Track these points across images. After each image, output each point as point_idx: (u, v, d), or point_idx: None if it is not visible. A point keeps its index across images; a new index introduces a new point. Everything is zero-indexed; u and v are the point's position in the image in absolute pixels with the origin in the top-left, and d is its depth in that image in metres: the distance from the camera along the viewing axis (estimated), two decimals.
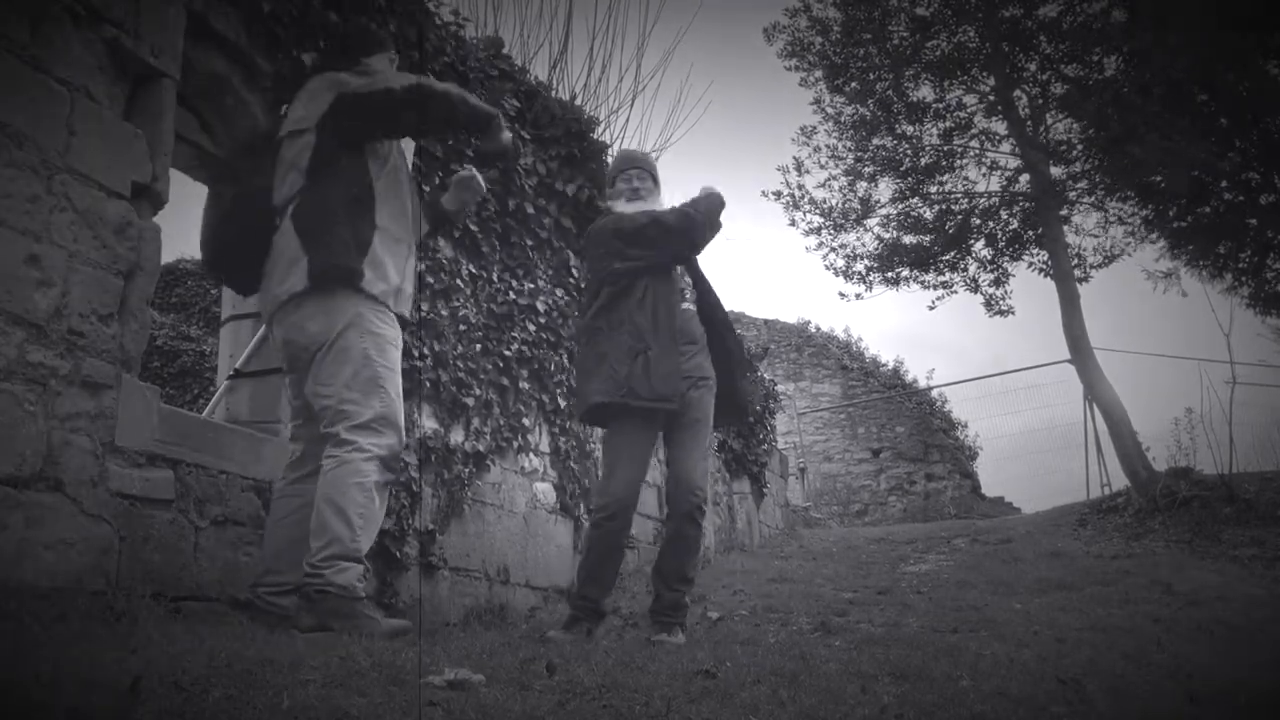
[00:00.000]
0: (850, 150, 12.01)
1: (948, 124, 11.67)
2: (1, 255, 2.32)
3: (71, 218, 2.51)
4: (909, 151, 11.71)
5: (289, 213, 2.81)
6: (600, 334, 3.50)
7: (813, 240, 12.53)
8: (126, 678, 1.44)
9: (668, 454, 3.66)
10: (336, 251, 2.74)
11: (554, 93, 5.89)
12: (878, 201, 12.20)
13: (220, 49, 3.28)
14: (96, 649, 1.74)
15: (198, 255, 11.40)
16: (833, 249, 12.42)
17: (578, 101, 6.41)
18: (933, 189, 12.01)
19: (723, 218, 3.71)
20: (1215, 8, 8.51)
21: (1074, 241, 11.73)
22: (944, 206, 12.04)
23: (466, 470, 4.39)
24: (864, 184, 12.10)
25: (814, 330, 18.00)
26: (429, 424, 4.16)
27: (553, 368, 5.22)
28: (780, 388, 13.43)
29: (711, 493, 6.60)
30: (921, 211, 12.11)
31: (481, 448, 4.53)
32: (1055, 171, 11.26)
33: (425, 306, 4.15)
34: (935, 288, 12.25)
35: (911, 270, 12.19)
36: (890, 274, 12.24)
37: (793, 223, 12.52)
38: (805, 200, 12.29)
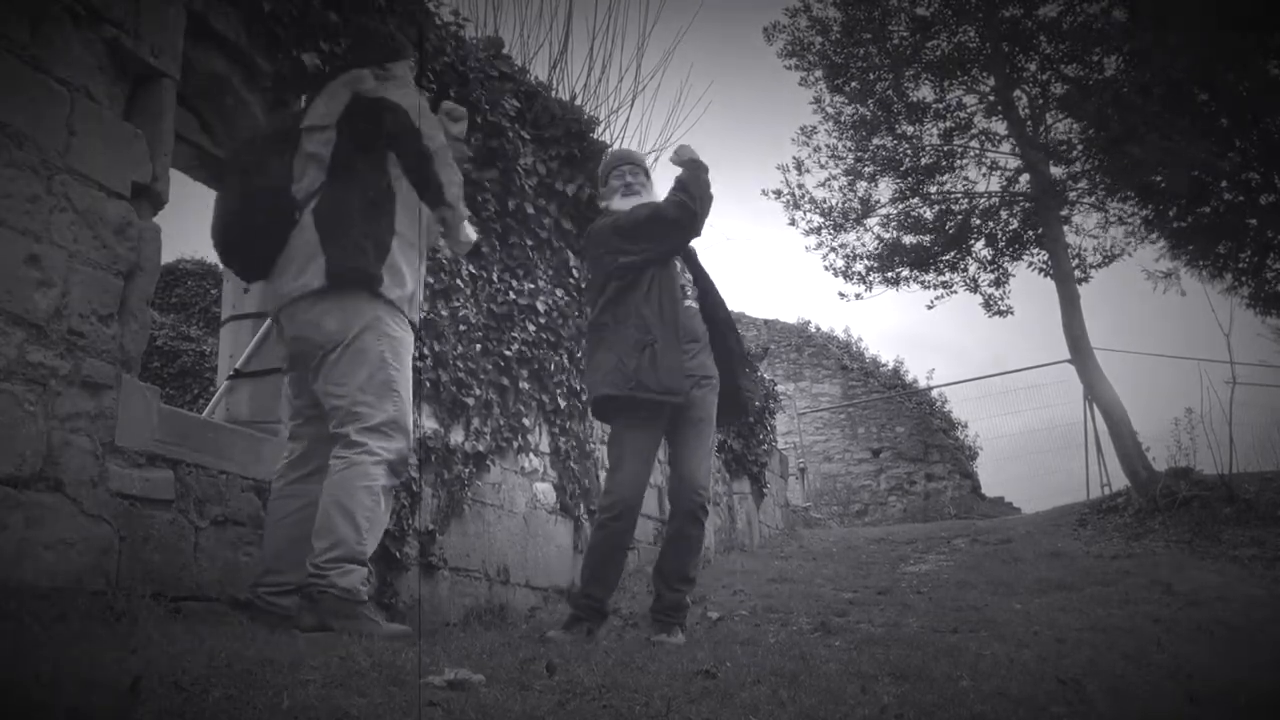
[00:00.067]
0: (850, 150, 12.01)
1: (948, 124, 11.67)
2: (1, 255, 2.32)
3: (71, 218, 2.51)
4: (909, 151, 11.71)
5: (310, 209, 2.80)
6: (607, 329, 3.50)
7: (813, 240, 12.55)
8: (126, 678, 1.44)
9: (670, 453, 3.66)
10: (356, 254, 2.74)
11: (554, 93, 5.89)
12: (878, 201, 12.21)
13: (220, 49, 3.28)
14: (96, 649, 1.74)
15: (198, 255, 11.41)
16: (833, 249, 12.44)
17: (578, 101, 6.41)
18: (933, 189, 12.01)
19: (713, 190, 3.69)
20: (1215, 8, 8.51)
21: (1074, 241, 11.74)
22: (944, 206, 12.04)
23: (466, 470, 4.39)
24: (864, 184, 12.11)
25: (814, 330, 18.00)
26: (429, 424, 4.16)
27: (553, 368, 5.22)
28: (780, 388, 13.43)
29: (712, 493, 6.59)
30: (921, 211, 12.12)
31: (481, 448, 4.53)
32: (1055, 171, 11.26)
33: (425, 306, 4.16)
34: (935, 288, 12.26)
35: (911, 270, 12.19)
36: (890, 274, 12.25)
37: (793, 222, 12.55)
38: (805, 200, 12.31)
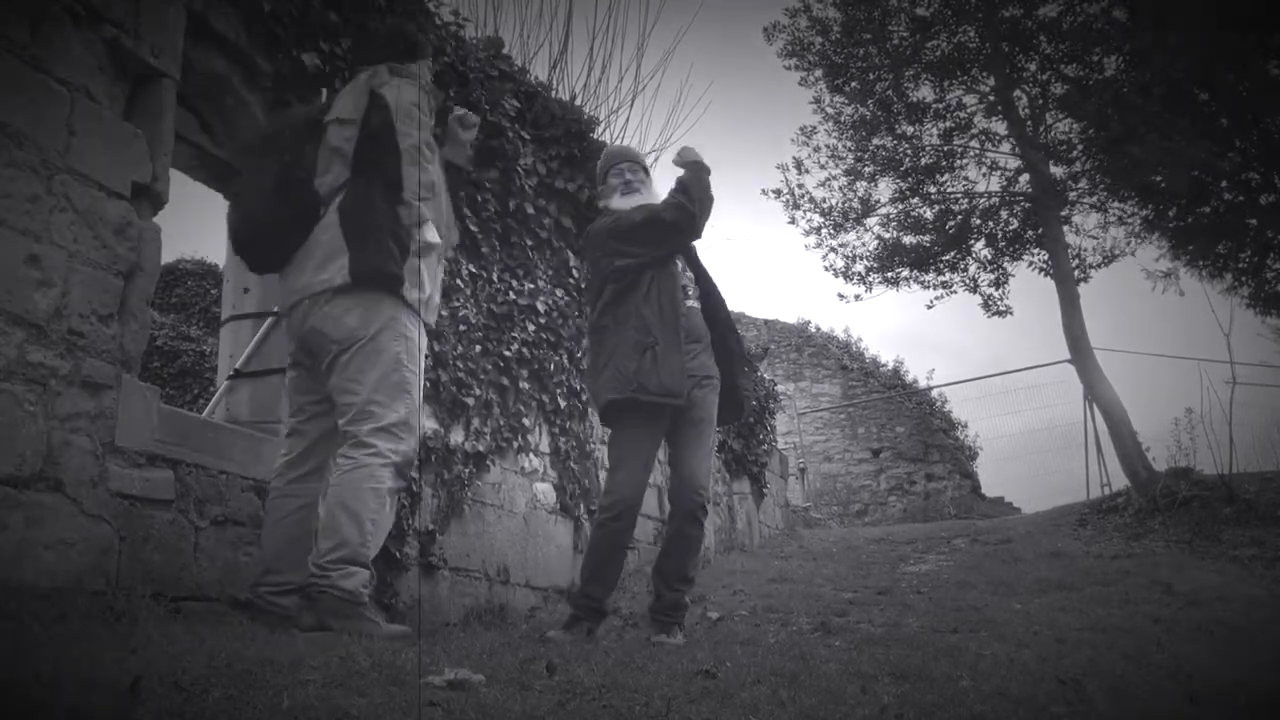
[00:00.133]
0: (850, 150, 12.02)
1: (948, 124, 11.68)
2: (1, 255, 2.32)
3: (71, 218, 2.51)
4: (909, 151, 11.72)
5: (335, 205, 2.79)
6: (608, 331, 3.49)
7: (812, 240, 12.56)
8: (126, 678, 1.44)
9: (671, 453, 3.65)
10: (382, 254, 2.73)
11: (554, 93, 5.89)
12: (878, 201, 12.21)
13: (220, 49, 3.28)
14: (96, 649, 1.74)
15: (198, 255, 11.42)
16: (833, 249, 12.45)
17: (578, 101, 6.41)
18: (933, 189, 12.02)
19: (714, 191, 3.65)
20: (1215, 8, 8.51)
21: (1074, 241, 11.75)
22: (944, 206, 12.05)
23: (466, 470, 4.39)
24: (864, 184, 12.12)
25: (814, 330, 18.01)
26: (429, 424, 4.15)
27: (553, 368, 5.22)
28: (780, 388, 13.43)
29: (712, 493, 6.60)
30: (921, 211, 12.12)
31: (481, 448, 4.53)
32: (1055, 171, 11.26)
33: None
34: (935, 288, 12.27)
35: (911, 270, 12.19)
36: (890, 274, 12.25)
37: (793, 221, 12.55)
38: (805, 200, 12.31)
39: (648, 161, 3.96)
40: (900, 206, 12.15)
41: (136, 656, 1.69)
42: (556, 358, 5.27)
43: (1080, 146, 11.17)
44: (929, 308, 13.32)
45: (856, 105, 11.77)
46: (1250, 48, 8.65)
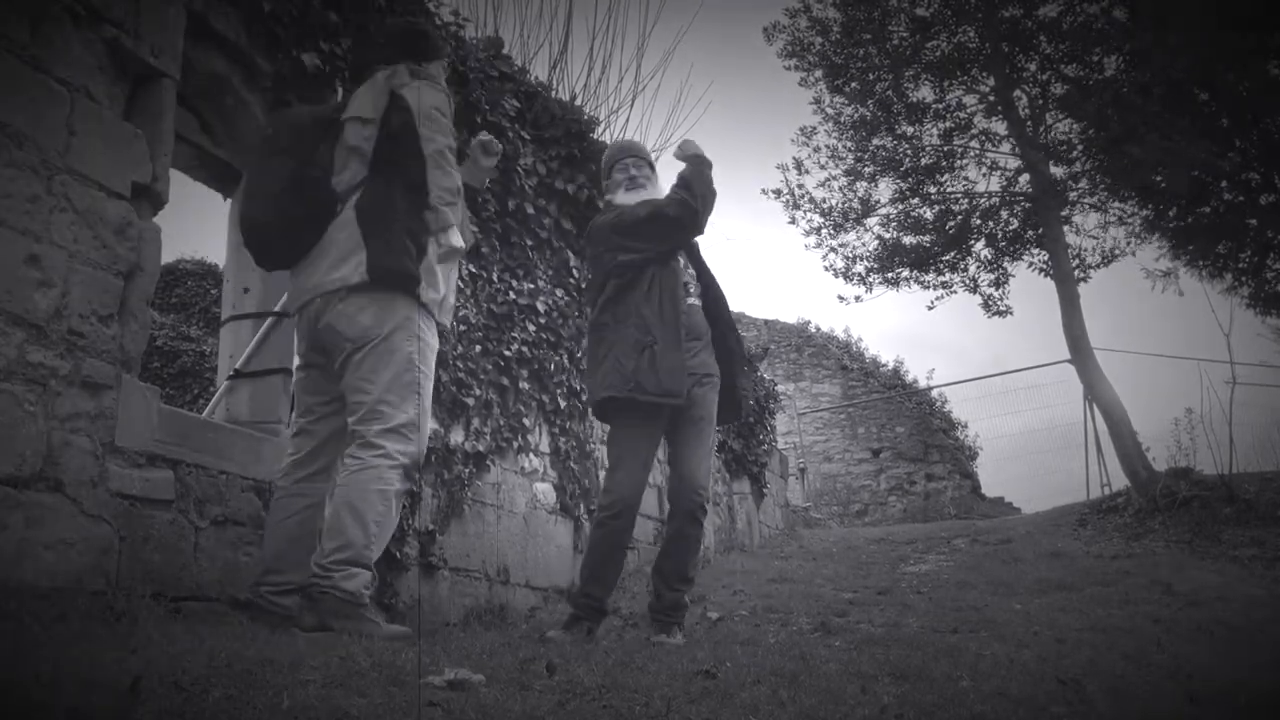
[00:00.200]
0: (850, 150, 12.02)
1: (948, 124, 11.68)
2: (1, 255, 2.32)
3: (71, 218, 2.51)
4: (909, 152, 11.72)
5: (352, 203, 2.78)
6: (607, 328, 3.48)
7: (812, 240, 12.56)
8: (126, 678, 1.44)
9: (670, 452, 3.64)
10: (399, 253, 2.73)
11: (554, 93, 5.89)
12: (878, 202, 12.21)
13: (220, 49, 3.28)
14: (96, 649, 1.74)
15: (198, 255, 11.41)
16: (833, 249, 12.45)
17: (578, 102, 6.41)
18: (933, 189, 12.02)
19: (716, 186, 3.64)
20: (1215, 8, 8.51)
21: (1074, 241, 11.75)
22: (944, 207, 12.05)
23: (466, 470, 4.39)
24: (864, 184, 12.11)
25: (814, 330, 18.01)
26: (429, 424, 4.15)
27: (553, 368, 5.22)
28: (780, 388, 13.43)
29: (711, 493, 6.61)
30: (921, 212, 12.12)
31: (481, 448, 4.53)
32: (1055, 171, 11.26)
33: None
34: (935, 288, 12.27)
35: (911, 271, 12.19)
36: (890, 274, 12.25)
37: (793, 221, 12.55)
38: (805, 200, 12.31)
39: (650, 155, 3.94)
40: (900, 207, 12.16)
41: (136, 656, 1.69)
42: (556, 358, 5.27)
43: (1080, 146, 11.17)
44: (930, 309, 13.32)
45: (856, 105, 11.77)
46: (1250, 48, 8.65)
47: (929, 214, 12.09)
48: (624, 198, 3.69)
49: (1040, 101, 11.30)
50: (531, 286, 5.04)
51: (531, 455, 5.07)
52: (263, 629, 2.52)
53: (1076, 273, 11.45)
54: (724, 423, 3.94)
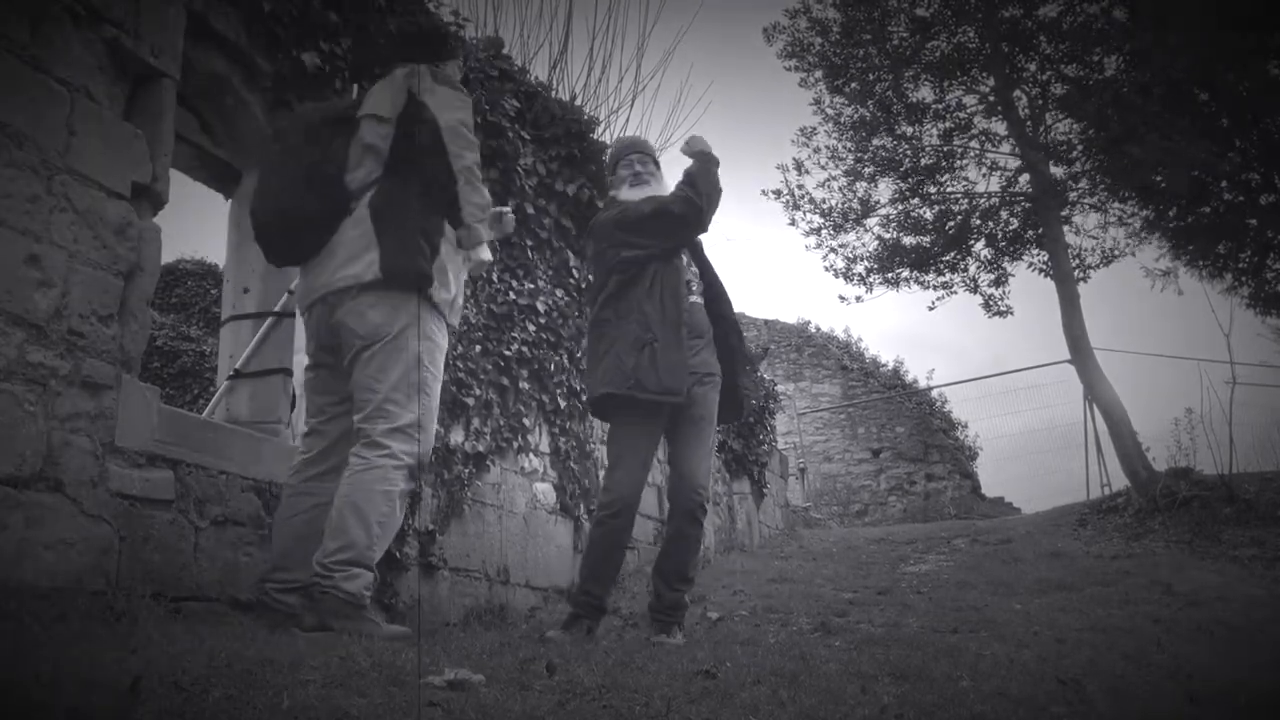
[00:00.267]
0: (850, 151, 12.02)
1: (947, 124, 11.68)
2: (1, 255, 2.32)
3: (71, 218, 2.51)
4: (909, 152, 11.72)
5: (366, 200, 2.77)
6: (609, 324, 3.47)
7: (812, 240, 12.56)
8: (126, 678, 1.44)
9: (670, 451, 3.63)
10: (412, 252, 2.72)
11: (554, 93, 5.89)
12: (878, 202, 12.22)
13: (220, 49, 3.28)
14: (96, 649, 1.74)
15: (198, 255, 11.40)
16: (833, 249, 12.45)
17: (578, 102, 6.41)
18: (933, 189, 12.02)
19: (721, 184, 3.63)
20: (1215, 8, 8.51)
21: (1074, 241, 11.76)
22: (944, 207, 12.05)
23: (466, 470, 4.39)
24: (864, 184, 12.12)
25: (814, 330, 18.01)
26: (435, 424, 4.16)
27: (553, 368, 5.22)
28: (780, 388, 13.43)
29: (711, 492, 6.61)
30: (921, 212, 12.13)
31: (481, 448, 4.53)
32: (1055, 171, 11.26)
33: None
34: (935, 288, 12.27)
35: (911, 271, 12.19)
36: (890, 275, 12.25)
37: (793, 222, 12.55)
38: (805, 200, 12.31)
39: (656, 152, 3.93)
40: (900, 207, 12.16)
41: (136, 656, 1.69)
42: (556, 358, 5.27)
43: (1080, 146, 11.17)
44: (930, 309, 13.33)
45: (856, 106, 11.77)
46: (1250, 48, 8.66)
47: (929, 214, 12.09)
48: (628, 194, 3.67)
49: (1040, 101, 11.30)
50: (531, 286, 5.04)
51: (531, 455, 5.07)
52: (263, 629, 2.52)
53: (1076, 273, 11.45)
54: (725, 422, 3.93)
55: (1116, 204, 11.34)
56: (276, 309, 3.67)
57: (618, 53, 16.31)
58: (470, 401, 4.42)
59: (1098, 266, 11.86)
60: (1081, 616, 4.61)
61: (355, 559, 2.60)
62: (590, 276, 4.29)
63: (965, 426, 16.59)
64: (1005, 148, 11.77)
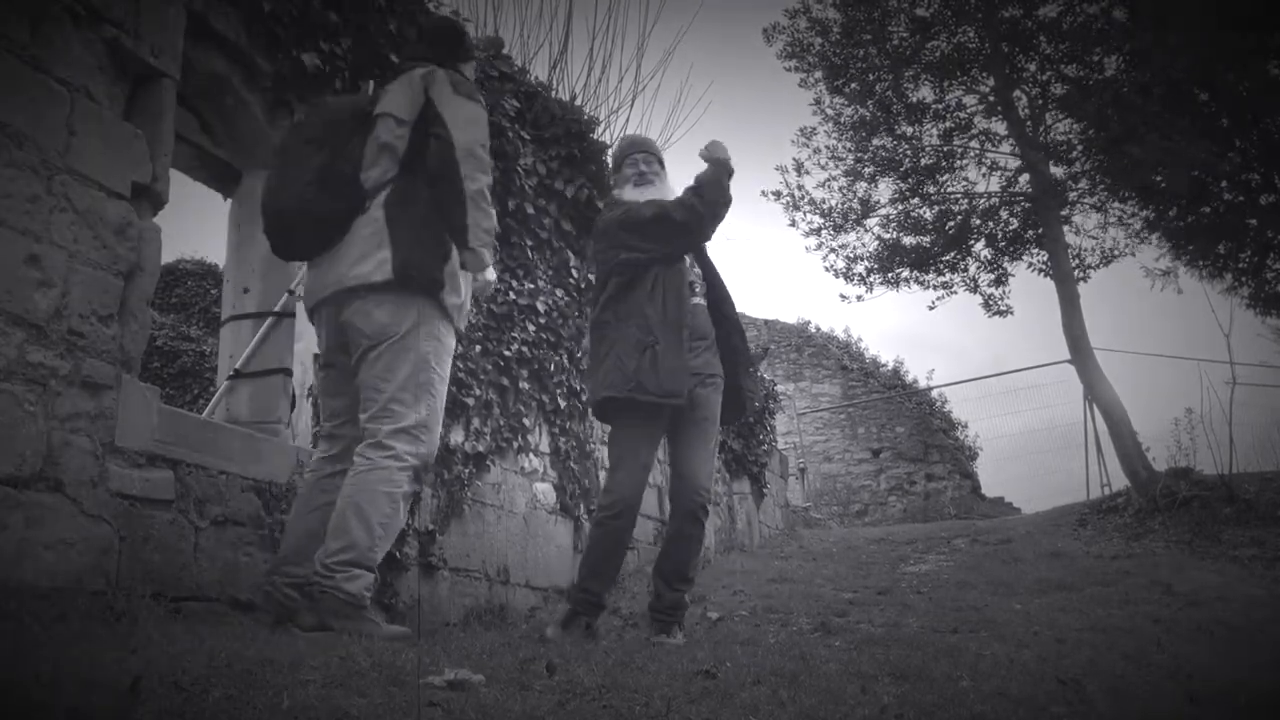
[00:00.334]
0: (850, 151, 12.02)
1: (947, 124, 11.68)
2: (1, 255, 2.32)
3: (71, 218, 2.51)
4: (909, 152, 11.72)
5: (380, 200, 2.76)
6: (609, 326, 3.46)
7: (813, 241, 12.56)
8: (126, 678, 1.44)
9: (672, 452, 3.62)
10: (425, 255, 2.72)
11: (554, 93, 5.89)
12: (877, 202, 12.22)
13: (220, 49, 3.28)
14: (96, 649, 1.74)
15: (198, 255, 11.40)
16: (833, 250, 12.45)
17: (578, 102, 6.41)
18: (932, 189, 12.02)
19: (731, 194, 3.59)
20: (1215, 8, 8.52)
21: (1074, 241, 11.76)
22: (944, 207, 12.05)
23: (466, 470, 4.39)
24: (864, 184, 12.12)
25: (814, 330, 18.01)
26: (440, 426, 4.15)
27: (553, 368, 5.22)
28: (780, 388, 13.44)
29: (713, 493, 6.62)
30: (921, 212, 12.13)
31: (481, 448, 4.53)
32: (1055, 171, 11.26)
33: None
34: (935, 288, 12.27)
35: (911, 271, 12.19)
36: (890, 275, 12.25)
37: (793, 223, 12.55)
38: (805, 201, 12.31)
39: (662, 152, 3.92)
40: (900, 207, 12.16)
41: (136, 656, 1.69)
42: (556, 358, 5.27)
43: (1080, 146, 11.17)
44: (930, 309, 13.32)
45: (856, 106, 11.77)
46: (1250, 48, 8.66)
47: (929, 214, 12.09)
48: (632, 193, 3.66)
49: (1040, 101, 11.30)
50: (531, 286, 5.04)
51: (531, 455, 5.07)
52: (263, 628, 2.52)
53: (1076, 273, 11.45)
54: (728, 423, 3.92)
55: (1116, 204, 11.35)
56: (276, 309, 3.67)
57: (618, 53, 16.32)
58: (470, 401, 4.42)
59: (1098, 266, 11.88)
60: (1081, 616, 4.61)
61: (357, 559, 2.60)
62: (591, 276, 4.28)
63: (965, 426, 16.62)
64: (1005, 148, 11.79)
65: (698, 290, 3.65)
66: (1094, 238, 11.94)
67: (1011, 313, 12.21)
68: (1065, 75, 11.04)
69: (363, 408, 2.77)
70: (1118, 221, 11.53)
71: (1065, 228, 11.42)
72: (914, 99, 11.57)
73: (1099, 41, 10.42)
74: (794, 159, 12.43)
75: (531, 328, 5.01)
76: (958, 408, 16.99)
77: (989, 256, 12.17)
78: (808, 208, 12.33)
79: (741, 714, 1.94)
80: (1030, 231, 11.84)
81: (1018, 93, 11.33)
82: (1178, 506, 8.71)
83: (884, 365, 17.54)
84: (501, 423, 4.73)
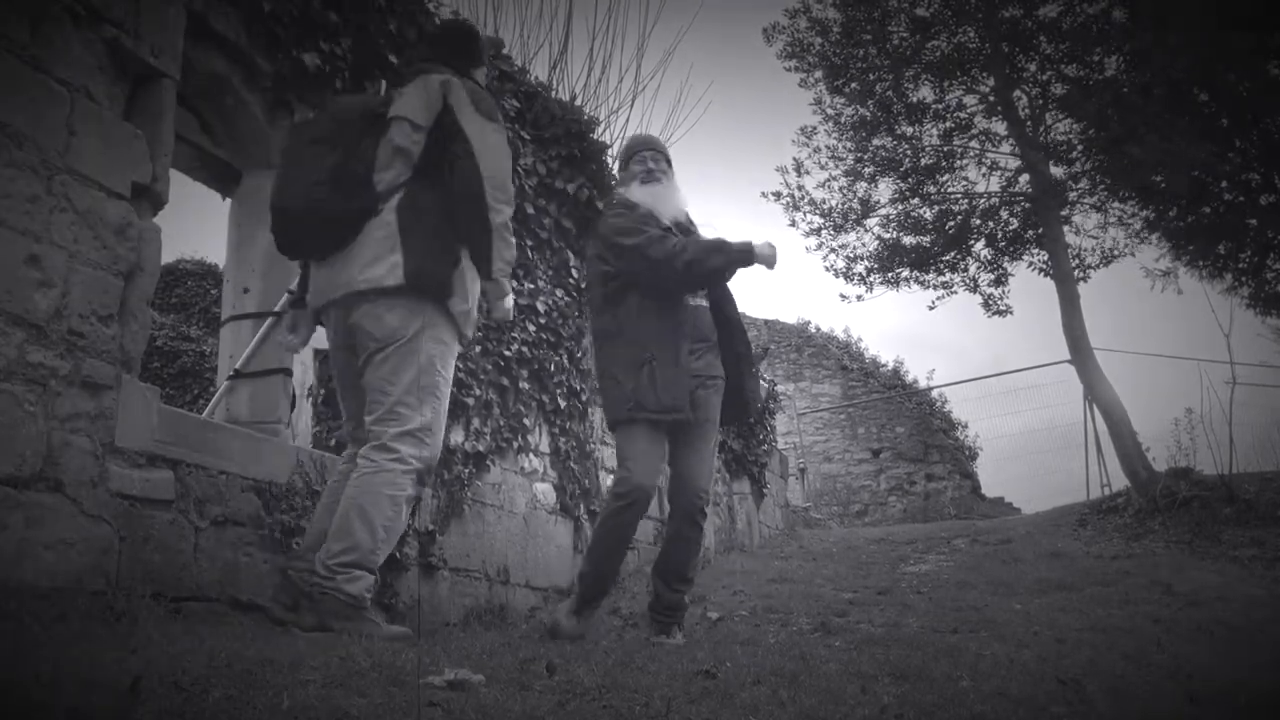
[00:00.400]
0: (850, 151, 12.01)
1: (947, 124, 11.68)
2: (1, 255, 2.32)
3: (71, 218, 2.51)
4: (909, 152, 11.71)
5: (393, 204, 2.75)
6: (607, 336, 3.51)
7: (813, 241, 12.55)
8: (126, 678, 1.44)
9: (671, 453, 3.59)
10: (436, 260, 2.72)
11: (554, 93, 5.89)
12: (878, 202, 12.21)
13: (220, 49, 3.28)
14: (96, 649, 1.74)
15: (198, 255, 11.40)
16: (833, 250, 12.44)
17: (578, 102, 6.42)
18: (932, 189, 12.02)
19: (727, 276, 3.60)
20: (1215, 8, 8.52)
21: (1074, 241, 11.75)
22: (944, 207, 12.05)
23: (466, 471, 4.39)
24: (864, 184, 12.11)
25: (814, 330, 18.01)
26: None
27: (553, 368, 5.22)
28: (780, 388, 13.43)
29: (712, 494, 6.63)
30: (921, 212, 12.12)
31: (481, 448, 4.53)
32: (1055, 171, 11.26)
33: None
34: (935, 288, 12.27)
35: (911, 271, 12.19)
36: (890, 275, 12.25)
37: (793, 223, 12.55)
38: (805, 201, 12.31)
39: (669, 151, 3.92)
40: (900, 207, 12.15)
41: (136, 656, 1.69)
42: (556, 358, 5.27)
43: (1080, 146, 11.17)
44: (930, 309, 13.32)
45: (856, 106, 11.76)
46: (1250, 48, 8.66)
47: (929, 214, 12.09)
48: (637, 191, 3.65)
49: (1040, 101, 11.30)
50: (531, 286, 5.04)
51: (531, 455, 5.07)
52: (263, 629, 2.52)
53: (1076, 273, 11.45)
54: (730, 423, 3.94)
55: (1116, 204, 11.34)
56: (276, 309, 3.67)
57: (618, 53, 16.31)
58: (470, 401, 4.42)
59: (1098, 266, 11.87)
60: (1081, 616, 4.61)
61: (358, 561, 2.61)
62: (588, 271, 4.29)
63: (965, 426, 16.61)
64: (1005, 148, 11.78)
65: (699, 291, 3.64)
66: (1094, 238, 11.95)
67: (1011, 313, 12.22)
68: (1065, 75, 11.04)
69: (369, 410, 2.77)
70: (1118, 221, 11.54)
71: (1065, 228, 11.41)
72: (914, 99, 11.56)
73: (1099, 41, 10.42)
74: (794, 159, 12.44)
75: (531, 328, 5.01)
76: (958, 408, 17.01)
77: (989, 256, 12.17)
78: (808, 208, 12.32)
79: (741, 714, 1.94)
80: (1030, 231, 11.84)
81: (1018, 93, 11.32)
82: (1178, 506, 8.71)
83: (884, 365, 17.55)
84: (501, 423, 4.73)
